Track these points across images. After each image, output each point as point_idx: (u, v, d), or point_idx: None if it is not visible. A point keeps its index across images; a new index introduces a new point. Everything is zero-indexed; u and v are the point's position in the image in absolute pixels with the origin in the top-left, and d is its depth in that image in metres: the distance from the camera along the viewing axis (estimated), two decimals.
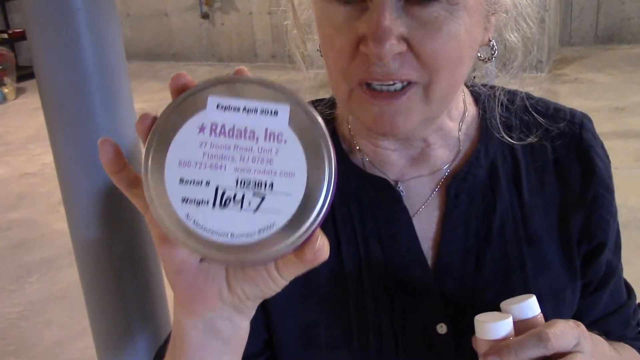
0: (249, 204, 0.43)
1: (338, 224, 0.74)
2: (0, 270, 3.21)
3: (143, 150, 0.44)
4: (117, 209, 1.09)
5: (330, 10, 0.62)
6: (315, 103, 0.79)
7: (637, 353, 0.80)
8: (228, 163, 0.43)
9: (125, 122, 1.06)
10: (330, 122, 0.78)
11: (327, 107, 0.79)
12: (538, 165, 0.75)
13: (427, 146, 0.74)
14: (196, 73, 6.74)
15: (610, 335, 0.76)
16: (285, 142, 0.44)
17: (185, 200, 0.43)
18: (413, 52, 0.60)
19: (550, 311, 0.71)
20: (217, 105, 0.44)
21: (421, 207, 0.74)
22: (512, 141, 0.75)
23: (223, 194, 0.43)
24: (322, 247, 0.44)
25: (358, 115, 0.65)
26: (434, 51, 0.60)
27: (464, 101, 0.77)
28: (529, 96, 0.78)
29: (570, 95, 5.23)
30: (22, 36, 7.30)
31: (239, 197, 0.43)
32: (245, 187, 0.43)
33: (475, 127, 0.77)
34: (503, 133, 0.75)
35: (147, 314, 1.16)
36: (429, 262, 0.73)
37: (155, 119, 0.44)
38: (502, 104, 0.76)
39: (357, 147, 0.76)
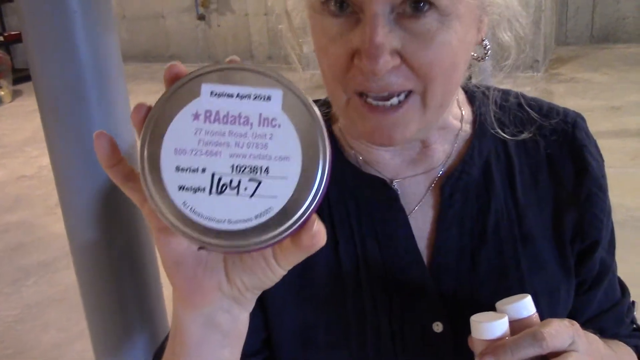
0: (245, 189, 0.43)
1: (336, 223, 0.74)
2: None
3: (138, 141, 0.44)
4: (114, 211, 1.09)
5: (324, 22, 0.62)
6: None
7: (632, 350, 0.80)
8: (223, 149, 0.44)
9: (121, 124, 1.06)
10: (326, 121, 0.78)
11: (322, 106, 0.80)
12: (531, 164, 0.75)
13: (426, 147, 0.74)
14: None
15: (604, 333, 0.77)
16: (279, 126, 0.44)
17: (181, 188, 0.43)
18: (407, 64, 0.60)
19: (546, 309, 0.71)
20: (211, 93, 0.44)
21: (416, 206, 0.75)
22: (505, 136, 0.75)
23: (219, 180, 0.43)
24: (318, 232, 0.44)
25: (355, 123, 0.66)
26: (428, 62, 0.60)
27: (458, 101, 0.77)
28: (522, 95, 0.79)
29: (566, 94, 5.23)
30: (18, 39, 7.29)
31: (235, 183, 0.43)
32: (241, 172, 0.43)
33: (470, 126, 0.77)
34: (497, 129, 0.75)
35: (145, 316, 1.16)
36: (425, 261, 0.73)
37: (150, 108, 0.45)
38: (495, 102, 0.76)
39: (351, 146, 0.76)
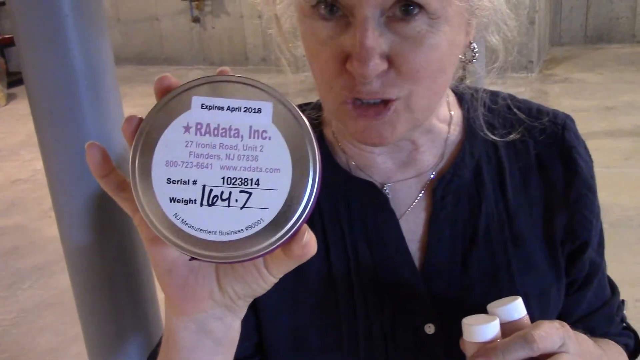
0: (236, 201, 0.44)
1: (327, 228, 0.74)
2: None
3: (130, 152, 0.45)
4: (108, 215, 1.09)
5: (314, 26, 0.62)
6: (302, 106, 0.79)
7: (622, 349, 0.81)
8: (214, 161, 0.44)
9: (114, 128, 1.06)
10: (317, 125, 0.79)
11: (313, 110, 0.80)
12: (522, 166, 0.76)
13: (416, 149, 0.75)
14: (187, 77, 6.72)
15: (594, 332, 0.77)
16: (269, 138, 0.44)
17: (173, 199, 0.44)
18: (394, 68, 0.60)
19: (537, 310, 0.72)
20: (202, 105, 0.45)
21: (408, 209, 0.75)
22: (495, 138, 0.75)
23: (210, 192, 0.44)
24: (309, 242, 0.45)
25: (346, 126, 0.66)
26: (416, 65, 0.60)
27: (448, 103, 0.78)
28: (511, 97, 0.79)
29: (560, 95, 5.25)
30: (12, 42, 7.27)
31: (226, 194, 0.44)
32: (232, 184, 0.44)
33: (460, 128, 0.77)
34: (487, 131, 0.75)
35: (139, 319, 1.16)
36: (417, 263, 0.74)
37: (141, 120, 0.45)
38: (484, 104, 0.77)
39: (343, 151, 0.76)
